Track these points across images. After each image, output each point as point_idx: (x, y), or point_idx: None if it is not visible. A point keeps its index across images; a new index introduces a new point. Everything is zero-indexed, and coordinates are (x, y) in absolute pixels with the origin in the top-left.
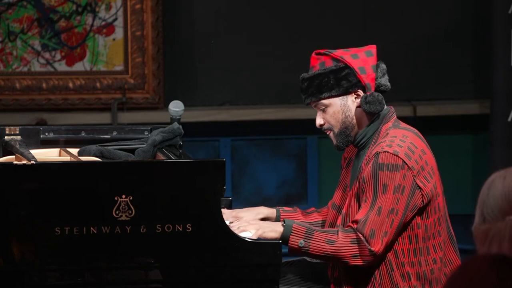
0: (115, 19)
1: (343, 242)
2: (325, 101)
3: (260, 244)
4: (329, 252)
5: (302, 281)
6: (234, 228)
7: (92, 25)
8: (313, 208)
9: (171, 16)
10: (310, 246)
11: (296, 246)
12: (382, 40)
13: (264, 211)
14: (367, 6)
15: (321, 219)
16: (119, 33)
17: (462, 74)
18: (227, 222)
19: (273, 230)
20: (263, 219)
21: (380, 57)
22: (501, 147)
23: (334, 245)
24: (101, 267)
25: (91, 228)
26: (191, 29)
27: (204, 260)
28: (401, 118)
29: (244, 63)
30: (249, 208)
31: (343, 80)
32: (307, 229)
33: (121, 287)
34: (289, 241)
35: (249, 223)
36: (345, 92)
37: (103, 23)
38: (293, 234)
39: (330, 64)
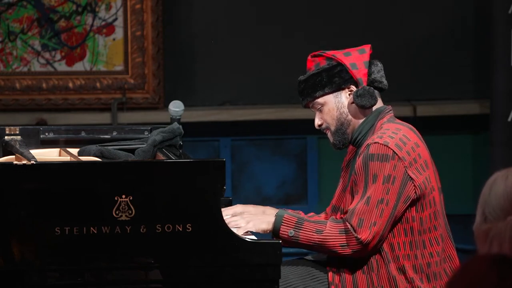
0: (115, 19)
1: (331, 232)
2: (320, 100)
3: (260, 244)
4: (317, 241)
5: (301, 281)
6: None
7: (92, 25)
8: (312, 213)
9: (171, 16)
10: (300, 236)
11: (286, 236)
12: (382, 40)
13: (271, 211)
14: (367, 6)
15: None
16: (119, 33)
17: (462, 74)
18: (226, 218)
19: (265, 222)
20: None
21: (380, 57)
22: (501, 147)
23: (322, 235)
24: (101, 267)
25: (91, 228)
26: (191, 29)
27: (204, 260)
28: (401, 118)
29: (244, 63)
30: (256, 206)
31: (335, 77)
32: (298, 219)
33: (121, 287)
34: (280, 231)
35: (241, 217)
36: (338, 88)
37: (103, 23)
38: (283, 224)
39: (324, 63)
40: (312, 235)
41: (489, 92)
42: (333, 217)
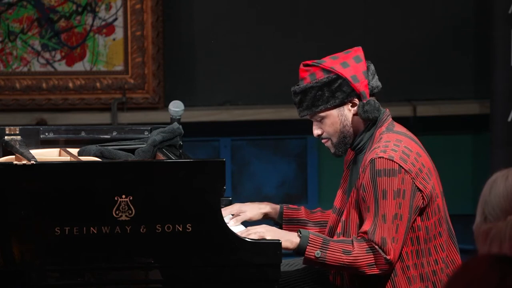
0: (115, 19)
1: (359, 252)
2: (322, 113)
3: (260, 244)
4: (346, 262)
5: (302, 281)
6: (251, 234)
7: (92, 25)
8: (318, 208)
9: (171, 16)
10: (327, 257)
11: (313, 257)
12: (383, 40)
13: (267, 207)
14: (367, 6)
15: (323, 220)
16: (119, 33)
17: (462, 74)
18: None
19: (289, 240)
20: (265, 215)
21: (380, 57)
22: (502, 147)
23: (351, 255)
24: (101, 267)
25: (91, 228)
26: (191, 29)
27: (204, 260)
28: (401, 118)
29: (244, 63)
30: (252, 203)
31: (337, 92)
32: (323, 240)
33: (121, 287)
34: (306, 252)
35: (267, 230)
36: (341, 103)
37: (103, 23)
38: (309, 244)
39: (321, 76)
40: (340, 256)
41: (489, 92)
42: (354, 236)
